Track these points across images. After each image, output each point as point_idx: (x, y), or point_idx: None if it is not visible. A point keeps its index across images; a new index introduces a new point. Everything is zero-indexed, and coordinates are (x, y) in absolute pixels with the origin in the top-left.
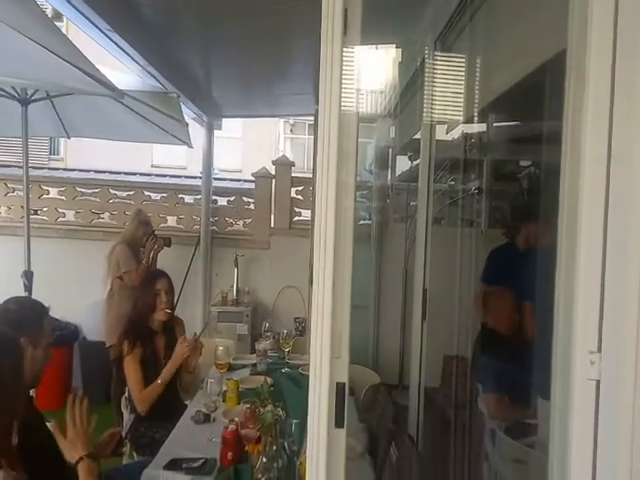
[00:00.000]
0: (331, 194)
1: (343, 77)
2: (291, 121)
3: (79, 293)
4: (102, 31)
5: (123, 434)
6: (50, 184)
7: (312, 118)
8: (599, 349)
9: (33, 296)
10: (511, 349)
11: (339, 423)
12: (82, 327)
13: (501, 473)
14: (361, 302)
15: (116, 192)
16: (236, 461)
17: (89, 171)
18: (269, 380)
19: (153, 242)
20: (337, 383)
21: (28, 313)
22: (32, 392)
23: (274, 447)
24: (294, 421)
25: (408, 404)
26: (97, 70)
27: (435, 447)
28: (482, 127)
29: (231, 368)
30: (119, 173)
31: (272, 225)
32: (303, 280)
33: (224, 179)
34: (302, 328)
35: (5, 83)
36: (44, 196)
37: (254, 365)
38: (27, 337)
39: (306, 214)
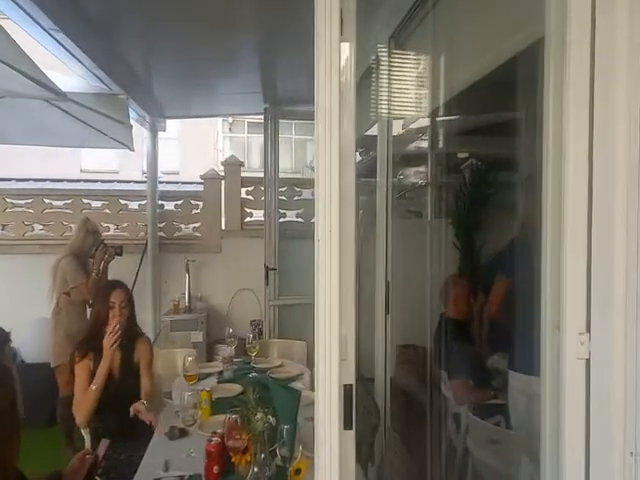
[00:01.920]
0: (334, 198)
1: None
2: (230, 120)
3: (15, 313)
4: (46, 30)
5: (99, 456)
6: None
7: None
8: (588, 330)
9: None
10: (474, 335)
11: (348, 425)
12: (19, 349)
13: (474, 454)
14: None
15: (51, 201)
16: (222, 474)
17: (10, 179)
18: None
19: (103, 252)
20: (344, 385)
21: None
22: None
23: (262, 455)
24: (285, 427)
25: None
26: (41, 73)
27: (405, 435)
28: (428, 121)
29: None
30: (44, 180)
31: (223, 227)
32: (257, 281)
33: (161, 182)
34: (259, 331)
35: None
36: None
37: (220, 373)
38: None
39: (257, 214)
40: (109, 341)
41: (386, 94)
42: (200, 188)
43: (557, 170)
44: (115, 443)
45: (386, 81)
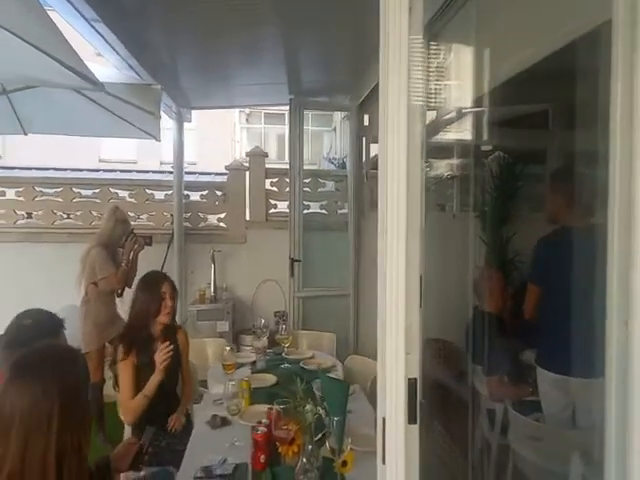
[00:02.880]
0: (402, 191)
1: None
2: (247, 110)
3: (47, 299)
4: (88, 21)
5: (144, 445)
6: (6, 184)
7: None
8: None
9: None
10: (510, 330)
11: (412, 419)
12: None
13: (516, 451)
14: (341, 291)
15: (80, 191)
16: (268, 464)
17: (30, 169)
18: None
19: (133, 242)
20: (409, 379)
21: (45, 327)
22: None
23: (310, 446)
24: (335, 419)
25: None
26: (83, 63)
27: (437, 430)
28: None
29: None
30: (74, 170)
31: (247, 218)
32: (282, 273)
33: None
34: (283, 322)
35: None
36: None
37: (253, 363)
38: None
39: (282, 206)
40: (161, 358)
41: (421, 84)
42: (218, 179)
43: (626, 166)
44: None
45: (421, 71)
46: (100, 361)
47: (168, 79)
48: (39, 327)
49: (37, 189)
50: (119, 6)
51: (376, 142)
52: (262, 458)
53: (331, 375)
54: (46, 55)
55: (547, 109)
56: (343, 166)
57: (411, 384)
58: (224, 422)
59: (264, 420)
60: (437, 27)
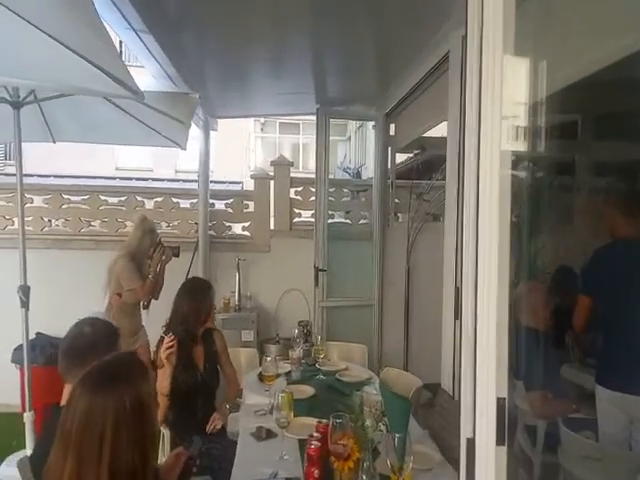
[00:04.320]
0: (494, 205)
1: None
2: (262, 120)
3: (71, 305)
4: (135, 31)
5: (193, 456)
6: (34, 192)
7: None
8: None
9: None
10: (554, 346)
11: (501, 440)
12: None
13: (567, 469)
14: (365, 301)
15: (107, 198)
16: (322, 479)
17: (49, 176)
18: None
19: (161, 253)
20: (498, 399)
21: (103, 336)
22: None
23: (367, 463)
24: (397, 435)
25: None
26: (128, 73)
27: None
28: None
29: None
30: (99, 177)
31: (272, 227)
32: (306, 282)
33: (194, 181)
34: (308, 332)
35: (23, 86)
36: (27, 205)
37: (287, 373)
38: None
39: (306, 215)
40: (165, 353)
41: (458, 93)
42: (233, 187)
43: None
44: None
45: (458, 79)
46: None
47: (201, 88)
48: (98, 335)
49: (65, 196)
50: (167, 18)
51: (401, 152)
52: (316, 473)
53: (369, 388)
54: (96, 67)
55: (576, 119)
56: (357, 175)
57: (500, 404)
58: (269, 434)
59: (315, 434)
60: None
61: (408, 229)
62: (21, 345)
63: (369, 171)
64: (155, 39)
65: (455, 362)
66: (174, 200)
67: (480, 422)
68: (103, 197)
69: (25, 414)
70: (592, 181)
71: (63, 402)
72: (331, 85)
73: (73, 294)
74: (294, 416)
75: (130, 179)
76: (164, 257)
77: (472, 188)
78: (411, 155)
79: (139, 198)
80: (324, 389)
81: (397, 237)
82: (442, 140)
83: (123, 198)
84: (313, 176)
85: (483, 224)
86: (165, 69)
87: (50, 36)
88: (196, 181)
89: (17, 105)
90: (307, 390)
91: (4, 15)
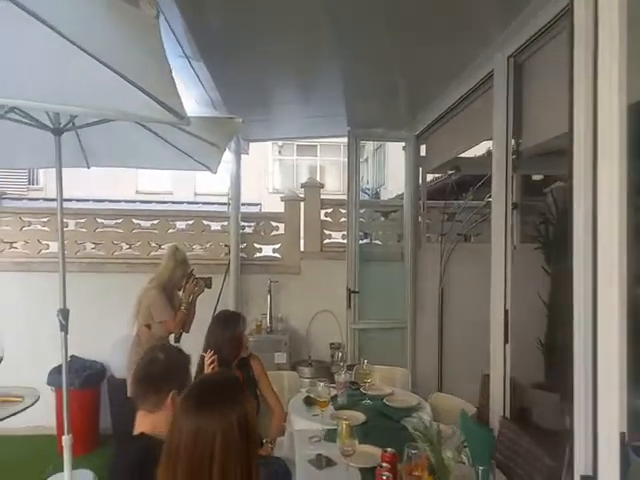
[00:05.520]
0: (614, 235)
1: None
2: (279, 143)
3: (103, 328)
4: (188, 58)
5: None
6: (68, 216)
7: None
8: None
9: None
10: None
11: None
12: (109, 364)
13: None
14: (398, 323)
15: (139, 222)
16: None
17: (71, 200)
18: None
19: (193, 285)
20: (621, 433)
21: (176, 362)
22: None
23: None
24: (480, 468)
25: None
26: (179, 100)
27: None
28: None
29: (312, 403)
30: (134, 202)
31: (302, 249)
32: (336, 304)
33: (212, 203)
34: (341, 355)
35: (72, 112)
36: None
37: (333, 398)
38: (176, 389)
39: (336, 236)
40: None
41: (504, 111)
42: (252, 209)
43: None
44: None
45: (504, 97)
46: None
47: (239, 112)
48: (171, 362)
49: (98, 220)
50: (219, 45)
51: (434, 172)
52: None
53: (421, 414)
54: (146, 94)
55: None
56: (376, 196)
57: (622, 439)
58: (329, 462)
59: (384, 464)
60: (522, 56)
61: (441, 250)
62: (56, 368)
63: (387, 192)
64: (206, 66)
65: (506, 388)
66: (205, 222)
67: (603, 459)
68: (135, 221)
69: (64, 437)
70: None
71: (136, 431)
72: (363, 108)
73: (106, 317)
74: None
75: (150, 202)
76: (196, 289)
77: (587, 191)
78: (437, 176)
79: (171, 221)
80: (374, 415)
81: (429, 258)
82: (476, 160)
83: (155, 221)
84: (333, 197)
85: (602, 234)
86: (209, 94)
87: (101, 61)
88: (215, 203)
89: (58, 132)
90: (358, 416)
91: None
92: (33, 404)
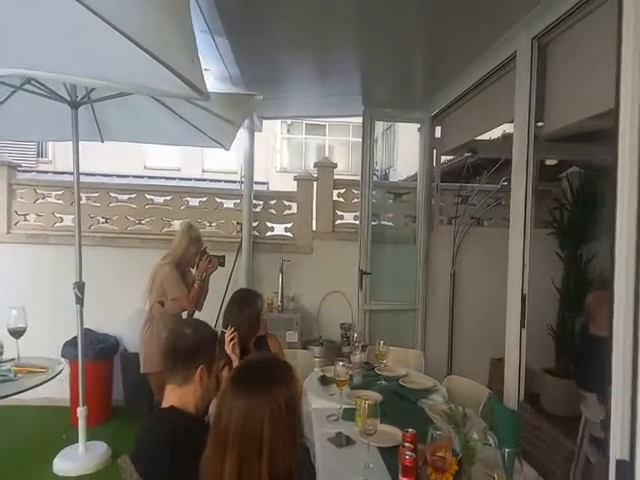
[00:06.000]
0: None
1: None
2: (288, 121)
3: (116, 303)
4: (210, 33)
5: None
6: (82, 190)
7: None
8: None
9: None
10: None
11: None
12: (122, 339)
13: None
14: (408, 305)
15: (152, 197)
16: None
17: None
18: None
19: (207, 262)
20: None
21: (205, 338)
22: None
23: (465, 477)
24: (507, 450)
25: None
26: (202, 75)
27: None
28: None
29: (328, 382)
30: (111, 175)
31: (314, 229)
32: (347, 284)
33: (219, 180)
34: (356, 336)
35: (100, 86)
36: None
37: (350, 378)
38: (205, 364)
39: (348, 217)
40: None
41: (527, 93)
42: (259, 187)
43: None
44: None
45: (527, 79)
46: (163, 382)
47: (257, 89)
48: (200, 337)
49: (112, 195)
50: (244, 21)
51: (447, 154)
52: None
53: (436, 397)
54: (167, 68)
55: None
56: (385, 177)
57: None
58: (348, 441)
59: (407, 444)
60: (546, 38)
61: (454, 233)
62: (69, 340)
63: (397, 173)
64: (229, 41)
65: (521, 373)
66: (218, 200)
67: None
68: (149, 196)
69: (79, 409)
70: None
71: (166, 404)
72: (379, 88)
73: (120, 292)
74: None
75: (159, 178)
76: (210, 266)
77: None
78: (450, 158)
79: (184, 198)
80: (389, 395)
81: (442, 241)
82: (491, 143)
83: (169, 197)
84: (342, 177)
85: None
86: (229, 70)
87: (123, 34)
88: (222, 180)
89: (75, 105)
90: (375, 396)
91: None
92: (59, 374)
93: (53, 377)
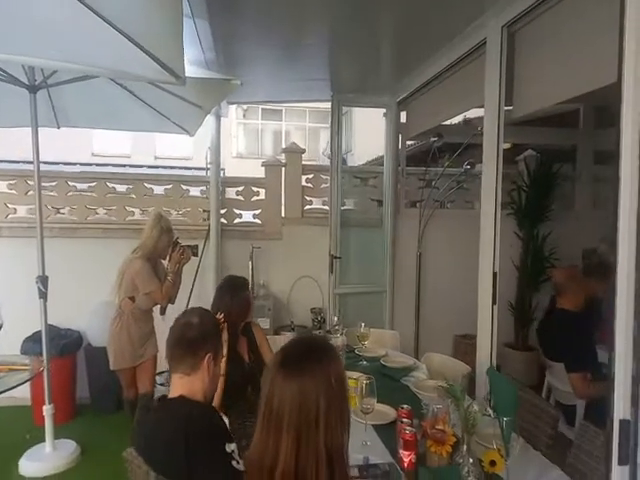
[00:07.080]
0: None
1: None
2: (244, 106)
3: (78, 296)
4: (192, 17)
5: None
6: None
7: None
8: None
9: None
10: (591, 328)
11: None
12: (85, 333)
13: None
14: (377, 287)
15: (114, 186)
16: (416, 463)
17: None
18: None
19: (179, 253)
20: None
21: (210, 326)
22: None
23: (465, 446)
24: (504, 419)
25: None
26: (181, 59)
27: None
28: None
29: None
30: (57, 163)
31: (283, 215)
32: (317, 269)
33: (173, 167)
34: (321, 319)
35: (63, 68)
36: (30, 192)
37: None
38: (211, 352)
39: (317, 202)
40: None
41: (497, 79)
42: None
43: None
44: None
45: (497, 66)
46: (133, 378)
47: (229, 73)
48: (206, 326)
49: (70, 184)
50: (226, 5)
51: (413, 139)
52: (412, 458)
53: (418, 374)
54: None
55: (578, 108)
56: (343, 162)
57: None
58: None
59: (404, 419)
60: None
61: (420, 215)
62: (30, 337)
63: (355, 158)
64: (209, 24)
65: (493, 347)
66: (184, 187)
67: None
68: (110, 184)
69: (45, 407)
70: None
71: (174, 393)
72: (347, 73)
73: (82, 284)
74: None
75: (106, 165)
76: (183, 257)
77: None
78: (412, 142)
79: (148, 185)
80: (374, 375)
81: (408, 224)
82: (454, 128)
83: (131, 186)
84: (306, 163)
85: None
86: (205, 55)
87: (98, 14)
88: (176, 167)
89: (33, 89)
90: (362, 377)
91: None
92: (41, 371)
93: (35, 375)
